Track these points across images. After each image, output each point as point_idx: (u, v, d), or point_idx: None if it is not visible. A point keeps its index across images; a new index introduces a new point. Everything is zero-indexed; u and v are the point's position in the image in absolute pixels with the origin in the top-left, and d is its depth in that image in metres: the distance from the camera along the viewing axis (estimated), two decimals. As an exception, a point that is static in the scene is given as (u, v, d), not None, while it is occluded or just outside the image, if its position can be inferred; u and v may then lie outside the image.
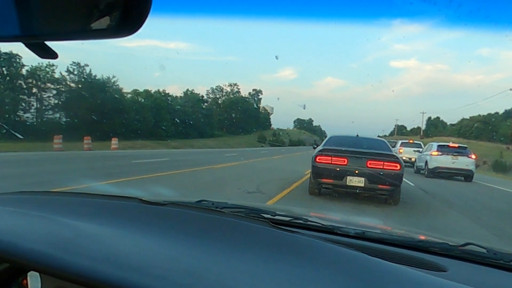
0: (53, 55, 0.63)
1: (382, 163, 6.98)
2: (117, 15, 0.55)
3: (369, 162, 7.00)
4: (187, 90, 54.87)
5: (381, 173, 6.91)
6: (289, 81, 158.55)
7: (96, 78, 32.71)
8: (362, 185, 6.98)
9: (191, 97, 51.55)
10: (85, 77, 32.56)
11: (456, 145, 17.34)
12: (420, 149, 20.86)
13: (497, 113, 65.83)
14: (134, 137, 29.42)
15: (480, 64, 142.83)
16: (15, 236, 0.73)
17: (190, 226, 0.88)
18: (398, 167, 6.98)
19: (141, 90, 40.34)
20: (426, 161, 16.82)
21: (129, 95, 39.71)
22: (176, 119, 41.09)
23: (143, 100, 38.56)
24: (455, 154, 16.24)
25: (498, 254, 1.08)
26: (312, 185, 7.59)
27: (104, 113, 28.06)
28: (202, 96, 57.64)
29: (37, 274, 0.92)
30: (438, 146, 16.95)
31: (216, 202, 1.38)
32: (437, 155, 16.36)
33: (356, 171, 7.00)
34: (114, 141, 20.46)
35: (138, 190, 6.79)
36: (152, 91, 40.94)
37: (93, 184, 6.86)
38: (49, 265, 0.65)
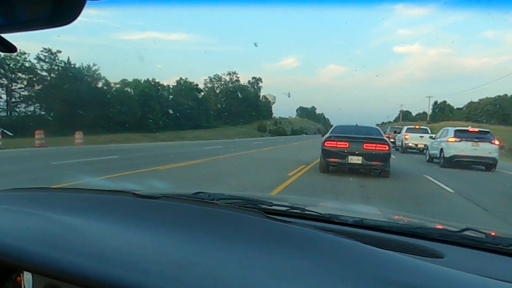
0: (10, 48, 0.63)
1: (374, 145, 9.00)
2: (55, 3, 0.57)
3: (365, 144, 8.99)
4: (180, 78, 51.62)
5: (374, 153, 8.95)
6: (292, 69, 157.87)
7: (73, 66, 29.57)
8: (360, 162, 8.97)
9: (184, 86, 48.35)
10: (58, 65, 29.50)
11: (477, 129, 15.11)
12: (427, 135, 19.81)
13: (505, 95, 63.15)
14: (120, 130, 27.09)
15: (484, 47, 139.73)
16: (0, 233, 0.73)
17: (183, 218, 0.87)
18: (387, 148, 9.07)
19: (130, 80, 37.93)
20: (442, 149, 14.66)
21: (118, 85, 37.51)
22: (169, 110, 38.83)
23: (131, 91, 36.08)
24: (475, 140, 14.07)
25: (497, 238, 1.07)
26: (322, 164, 9.63)
27: (83, 104, 25.58)
28: (197, 85, 53.51)
29: None
30: (456, 131, 14.67)
31: (212, 194, 1.34)
32: (455, 141, 14.16)
33: (356, 152, 8.96)
34: (78, 135, 18.19)
35: (133, 184, 6.42)
36: (142, 81, 38.33)
37: None
38: (33, 262, 0.66)
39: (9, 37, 0.61)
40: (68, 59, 29.78)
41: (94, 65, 31.39)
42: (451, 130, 15.11)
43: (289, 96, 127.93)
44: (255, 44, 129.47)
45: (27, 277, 0.87)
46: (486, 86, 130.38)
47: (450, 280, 0.68)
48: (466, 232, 1.10)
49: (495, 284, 0.72)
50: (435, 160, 15.50)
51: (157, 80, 40.66)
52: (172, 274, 0.61)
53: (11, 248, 0.68)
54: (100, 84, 32.06)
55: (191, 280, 0.60)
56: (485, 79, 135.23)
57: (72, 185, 6.53)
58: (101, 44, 72.51)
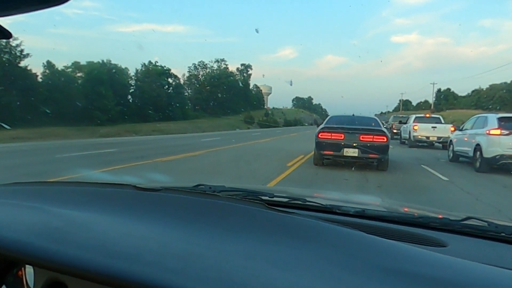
0: (5, 34, 0.62)
1: (372, 136, 8.80)
2: None
3: (361, 136, 8.81)
4: (149, 62, 44.37)
5: (371, 145, 8.73)
6: (290, 60, 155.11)
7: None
8: (356, 155, 8.73)
9: (152, 71, 41.54)
10: None
11: (534, 116, 9.78)
12: (441, 125, 17.18)
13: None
14: (49, 123, 21.24)
15: (483, 34, 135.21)
16: (0, 227, 0.74)
17: (184, 210, 0.87)
18: (385, 140, 8.80)
19: (84, 62, 31.82)
20: (478, 145, 9.65)
21: (69, 70, 31.59)
22: (136, 98, 33.09)
23: (82, 75, 30.09)
24: (530, 133, 8.95)
25: (500, 227, 1.07)
26: (316, 157, 9.56)
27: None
28: (169, 69, 46.05)
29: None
30: (500, 119, 9.56)
31: (213, 186, 1.34)
32: (500, 134, 9.17)
33: (354, 144, 8.73)
34: None
35: (134, 177, 6.35)
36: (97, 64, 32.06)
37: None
38: (34, 255, 0.66)
39: (4, 23, 0.60)
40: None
41: (15, 39, 24.82)
42: (492, 118, 9.90)
43: (291, 84, 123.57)
44: (257, 30, 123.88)
45: (28, 270, 0.87)
46: (482, 74, 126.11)
47: (454, 268, 0.68)
48: (468, 221, 1.11)
49: (498, 272, 0.72)
50: (461, 158, 11.23)
51: (113, 62, 34.26)
52: (174, 266, 0.61)
53: (12, 242, 0.68)
54: (23, 64, 25.36)
55: (194, 271, 0.60)
56: (485, 67, 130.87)
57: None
58: (96, 37, 67.93)
